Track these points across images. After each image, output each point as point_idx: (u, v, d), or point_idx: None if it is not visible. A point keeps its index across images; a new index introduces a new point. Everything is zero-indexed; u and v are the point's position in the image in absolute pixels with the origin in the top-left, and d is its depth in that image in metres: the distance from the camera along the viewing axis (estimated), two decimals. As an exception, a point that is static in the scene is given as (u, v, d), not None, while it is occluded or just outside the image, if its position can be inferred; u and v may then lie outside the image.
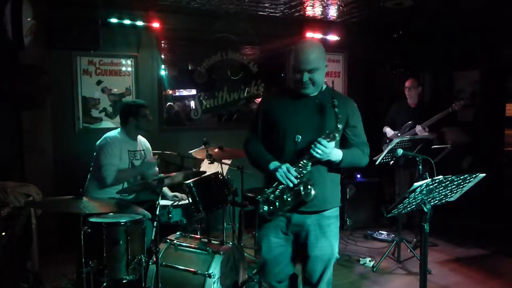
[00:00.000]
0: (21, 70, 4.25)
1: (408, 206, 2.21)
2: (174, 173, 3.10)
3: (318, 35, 5.72)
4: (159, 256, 2.82)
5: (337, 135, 2.24)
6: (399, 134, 4.85)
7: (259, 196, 2.32)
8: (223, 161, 3.72)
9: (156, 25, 4.93)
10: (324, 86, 2.45)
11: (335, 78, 6.24)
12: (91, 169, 3.55)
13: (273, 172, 2.29)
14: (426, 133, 4.64)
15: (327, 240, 2.40)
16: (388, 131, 5.04)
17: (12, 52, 4.16)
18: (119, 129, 3.60)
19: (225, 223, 3.62)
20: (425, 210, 2.19)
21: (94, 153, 3.50)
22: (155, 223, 2.81)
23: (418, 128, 4.68)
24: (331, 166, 2.34)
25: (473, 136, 5.99)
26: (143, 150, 3.73)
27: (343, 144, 2.41)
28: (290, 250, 2.49)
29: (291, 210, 2.33)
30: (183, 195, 3.63)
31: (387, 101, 5.57)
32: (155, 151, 4.07)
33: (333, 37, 5.86)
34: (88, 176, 3.56)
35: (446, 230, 4.88)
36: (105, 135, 3.54)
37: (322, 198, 2.33)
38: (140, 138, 3.74)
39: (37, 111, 4.47)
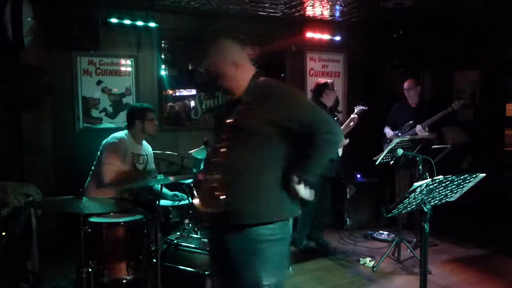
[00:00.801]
0: (21, 71, 4.24)
1: (408, 206, 2.21)
2: (172, 177, 3.09)
3: (318, 35, 5.72)
4: (159, 256, 2.83)
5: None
6: (399, 134, 4.84)
7: None
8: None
9: (156, 25, 4.93)
10: (255, 82, 2.05)
11: (335, 78, 6.22)
12: (93, 167, 3.54)
13: None
14: (426, 133, 4.64)
15: (252, 269, 1.90)
16: (388, 131, 5.03)
17: (12, 52, 4.16)
18: (126, 131, 3.58)
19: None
20: (425, 210, 2.20)
21: (99, 152, 3.48)
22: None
23: (418, 128, 4.68)
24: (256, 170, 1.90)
25: (473, 136, 5.99)
26: (146, 155, 3.71)
27: (297, 144, 1.94)
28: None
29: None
30: (183, 195, 3.63)
31: (387, 101, 5.57)
32: (155, 151, 4.06)
33: (333, 37, 5.86)
34: (89, 175, 3.56)
35: (446, 230, 4.87)
36: (113, 135, 3.51)
37: (237, 208, 1.89)
38: (144, 143, 3.72)
39: (37, 111, 4.46)
